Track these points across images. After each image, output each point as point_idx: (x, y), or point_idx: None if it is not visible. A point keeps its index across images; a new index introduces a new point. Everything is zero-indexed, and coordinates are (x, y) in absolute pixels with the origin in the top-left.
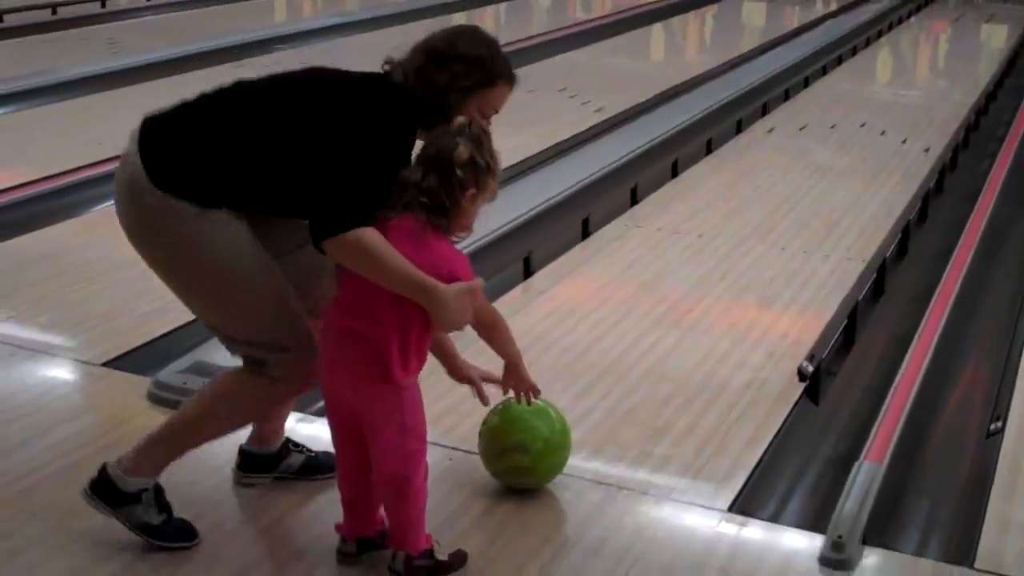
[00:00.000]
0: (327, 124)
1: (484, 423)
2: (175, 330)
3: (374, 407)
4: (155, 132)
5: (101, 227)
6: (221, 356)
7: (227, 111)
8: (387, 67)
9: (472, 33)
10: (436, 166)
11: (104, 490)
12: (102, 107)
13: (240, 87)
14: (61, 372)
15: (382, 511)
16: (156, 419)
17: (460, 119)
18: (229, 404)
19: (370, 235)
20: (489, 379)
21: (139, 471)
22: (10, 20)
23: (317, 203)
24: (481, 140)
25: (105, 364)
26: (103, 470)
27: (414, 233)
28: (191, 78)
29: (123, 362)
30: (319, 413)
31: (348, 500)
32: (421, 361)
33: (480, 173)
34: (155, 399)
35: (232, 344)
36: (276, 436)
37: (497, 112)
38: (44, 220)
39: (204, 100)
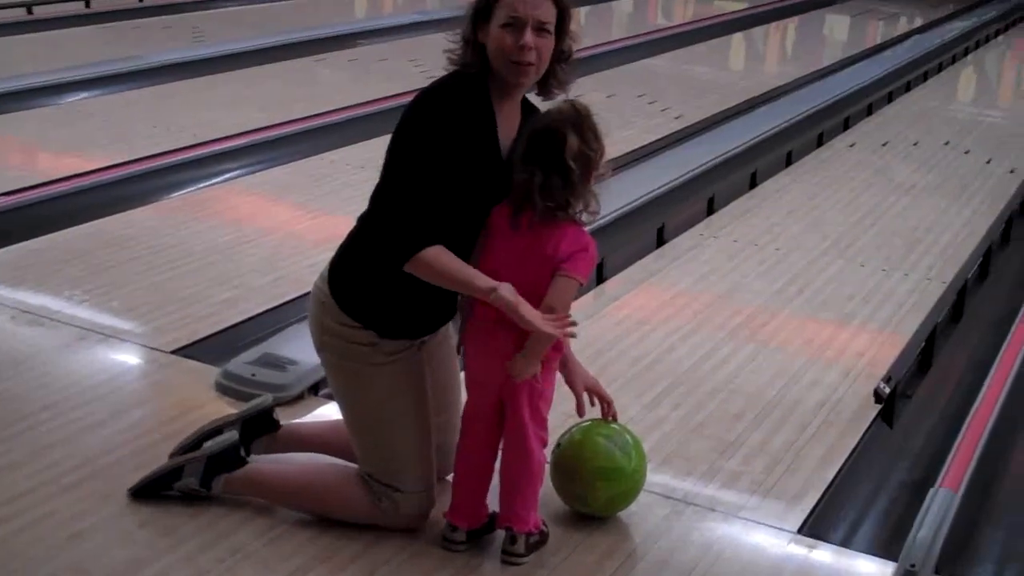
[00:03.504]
0: (396, 148)
1: (557, 445)
2: (246, 320)
3: (523, 386)
4: (340, 268)
5: (180, 214)
6: (290, 348)
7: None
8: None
9: None
10: (552, 166)
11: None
12: (185, 95)
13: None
14: (130, 358)
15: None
16: (223, 408)
17: (556, 106)
18: (338, 504)
19: (430, 255)
20: (594, 391)
21: (232, 488)
22: (97, 5)
23: (385, 226)
24: (582, 123)
25: (174, 352)
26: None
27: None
28: (273, 69)
29: (192, 350)
30: None
31: (470, 491)
32: (561, 344)
33: (591, 161)
34: (223, 389)
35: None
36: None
37: (518, 17)
38: (123, 204)
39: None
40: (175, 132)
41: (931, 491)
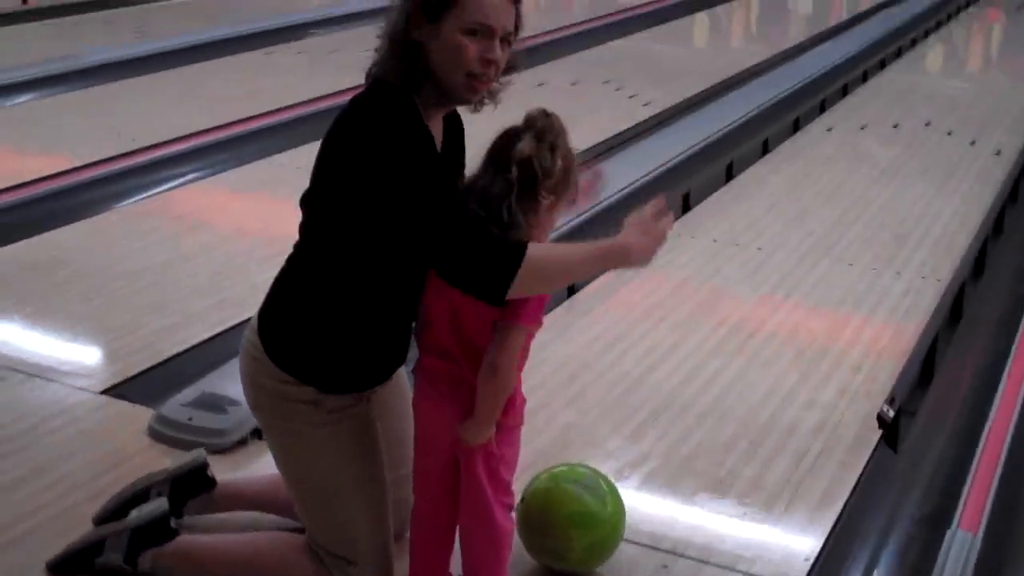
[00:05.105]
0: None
1: (522, 500)
2: (185, 352)
3: (477, 449)
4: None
5: (114, 230)
6: (232, 386)
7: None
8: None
9: None
10: (499, 167)
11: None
12: (126, 95)
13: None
14: (54, 401)
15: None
16: (156, 459)
17: (530, 111)
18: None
19: (537, 255)
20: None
21: (161, 563)
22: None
23: (447, 260)
24: (545, 132)
25: (104, 392)
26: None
27: None
28: (219, 65)
29: (124, 389)
30: None
31: (430, 564)
32: (518, 400)
33: (535, 177)
34: (156, 435)
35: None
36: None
37: (490, 26)
38: (52, 221)
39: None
40: (112, 137)
41: (948, 533)
